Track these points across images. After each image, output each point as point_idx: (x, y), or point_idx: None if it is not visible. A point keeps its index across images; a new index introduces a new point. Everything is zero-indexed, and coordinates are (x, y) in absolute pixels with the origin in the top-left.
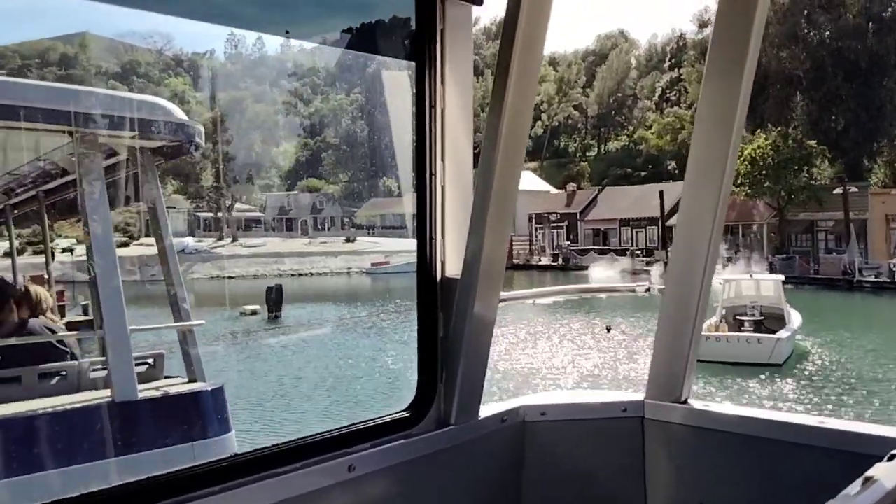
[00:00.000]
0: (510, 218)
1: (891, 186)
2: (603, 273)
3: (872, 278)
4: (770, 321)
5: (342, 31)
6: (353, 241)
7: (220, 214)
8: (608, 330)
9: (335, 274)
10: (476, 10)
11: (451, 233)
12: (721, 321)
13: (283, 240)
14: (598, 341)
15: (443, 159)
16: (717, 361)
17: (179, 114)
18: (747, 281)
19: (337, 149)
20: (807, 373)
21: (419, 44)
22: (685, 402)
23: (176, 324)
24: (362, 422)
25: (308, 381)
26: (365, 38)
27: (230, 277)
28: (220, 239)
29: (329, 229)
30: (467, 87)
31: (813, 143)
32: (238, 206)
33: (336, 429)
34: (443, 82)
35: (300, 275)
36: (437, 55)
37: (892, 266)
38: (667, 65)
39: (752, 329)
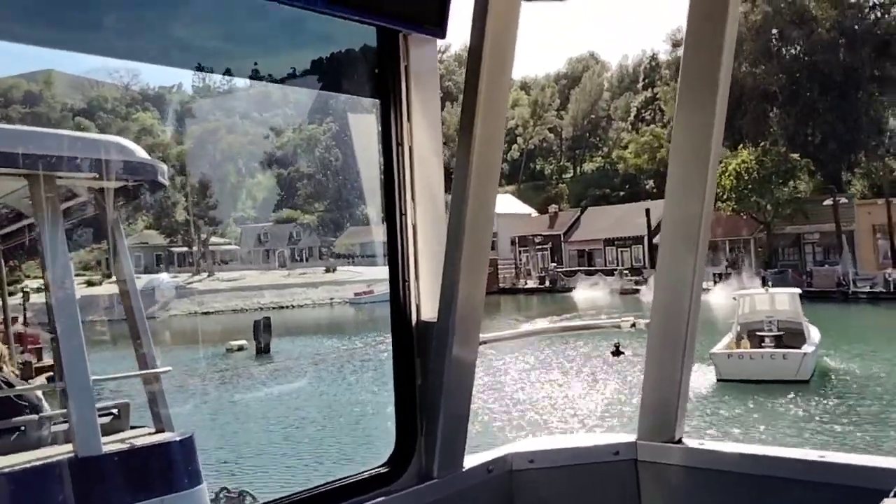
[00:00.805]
0: (486, 255)
1: (871, 197)
2: (590, 294)
3: (867, 289)
4: (788, 336)
5: (306, 72)
6: (333, 270)
7: (194, 249)
8: (616, 352)
9: (317, 305)
10: (448, 38)
11: (425, 274)
12: (737, 338)
13: (260, 272)
14: (611, 364)
15: (413, 198)
16: (741, 380)
17: (141, 153)
18: (761, 295)
19: (311, 178)
20: (838, 388)
21: (383, 81)
22: (679, 441)
23: (141, 372)
24: (337, 480)
25: (310, 423)
26: (329, 78)
27: (209, 313)
28: (196, 274)
29: (307, 260)
30: (435, 122)
31: (796, 156)
32: (213, 239)
33: (310, 488)
34: (409, 119)
35: (281, 307)
36: (401, 92)
37: (886, 276)
38: (640, 84)
39: (772, 345)
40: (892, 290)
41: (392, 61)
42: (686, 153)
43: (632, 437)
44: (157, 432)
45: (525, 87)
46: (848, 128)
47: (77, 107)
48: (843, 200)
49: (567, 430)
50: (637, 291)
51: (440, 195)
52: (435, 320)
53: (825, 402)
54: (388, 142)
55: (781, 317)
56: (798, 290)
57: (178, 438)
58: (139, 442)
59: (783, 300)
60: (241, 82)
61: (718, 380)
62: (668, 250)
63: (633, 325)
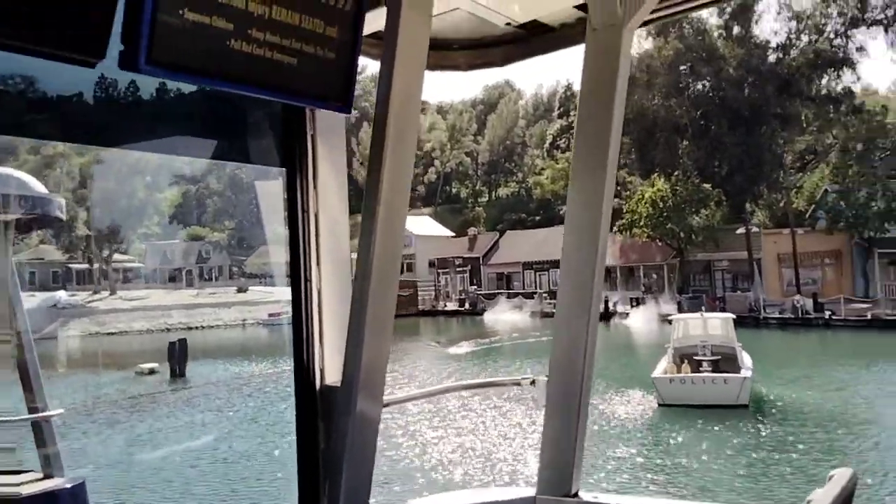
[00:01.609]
0: (391, 319)
1: (773, 228)
2: (511, 317)
3: (777, 315)
4: (723, 361)
5: (209, 142)
6: (244, 290)
7: (95, 266)
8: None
9: (229, 326)
10: (364, 59)
11: (329, 338)
12: (672, 362)
13: (167, 291)
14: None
15: (318, 264)
16: (682, 405)
17: (38, 187)
18: (695, 320)
19: (221, 195)
20: (777, 415)
21: (289, 150)
22: (576, 495)
23: (30, 416)
24: None
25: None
26: (234, 148)
27: (112, 333)
28: (97, 292)
29: (217, 279)
30: (342, 188)
31: (708, 186)
32: (116, 256)
33: None
34: (315, 186)
35: (190, 328)
36: (307, 160)
37: (795, 303)
38: (556, 113)
39: (710, 369)
40: (800, 315)
41: (298, 130)
42: (580, 226)
43: (531, 492)
44: (44, 477)
45: (442, 111)
46: (753, 162)
47: None
48: (755, 229)
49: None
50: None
51: (346, 259)
52: (339, 384)
53: (771, 428)
54: (294, 209)
55: (715, 341)
56: (732, 316)
57: (67, 485)
58: (25, 490)
59: (716, 325)
60: (146, 95)
61: (660, 404)
62: (563, 312)
63: (533, 381)
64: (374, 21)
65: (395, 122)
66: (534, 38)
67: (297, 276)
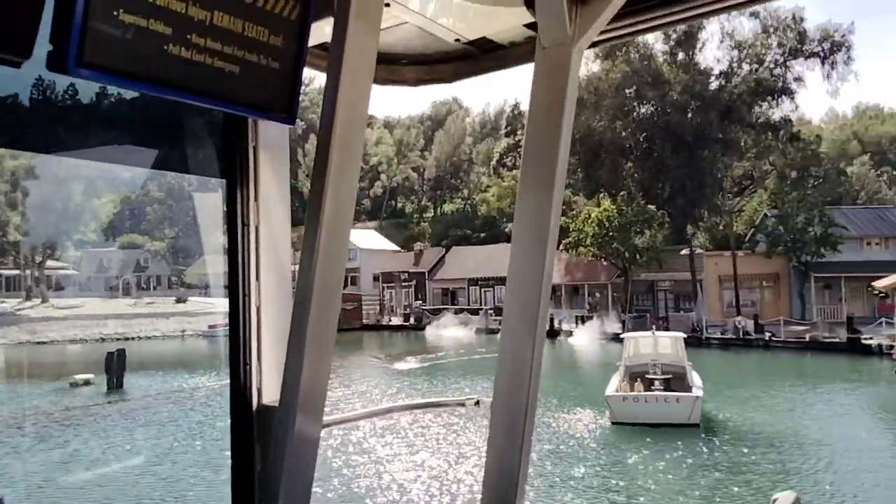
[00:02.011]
0: (333, 336)
1: (712, 250)
2: (455, 332)
3: (719, 335)
4: (673, 380)
5: (146, 151)
6: (184, 301)
7: (27, 272)
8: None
9: (167, 337)
10: (309, 71)
11: (268, 356)
12: (628, 380)
13: (102, 300)
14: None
15: (258, 278)
16: (636, 423)
17: None
18: (645, 338)
19: (162, 203)
20: (729, 434)
21: (229, 161)
22: None
23: None
24: None
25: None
26: (173, 158)
27: (43, 342)
28: (28, 299)
29: (155, 288)
30: (284, 201)
31: (653, 207)
32: (49, 263)
33: None
34: (256, 199)
35: (127, 338)
36: (249, 172)
37: (737, 324)
38: (503, 132)
39: (662, 388)
40: (741, 336)
41: (239, 141)
42: (526, 245)
43: None
44: None
45: (389, 126)
46: (695, 185)
47: None
48: (699, 251)
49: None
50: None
51: (287, 274)
52: (277, 404)
53: (724, 448)
54: (234, 222)
55: (665, 360)
56: (682, 335)
57: None
58: None
59: (666, 343)
60: (86, 98)
61: (613, 423)
62: (509, 332)
63: (478, 402)
64: (321, 31)
65: (340, 134)
66: (483, 56)
67: (236, 290)
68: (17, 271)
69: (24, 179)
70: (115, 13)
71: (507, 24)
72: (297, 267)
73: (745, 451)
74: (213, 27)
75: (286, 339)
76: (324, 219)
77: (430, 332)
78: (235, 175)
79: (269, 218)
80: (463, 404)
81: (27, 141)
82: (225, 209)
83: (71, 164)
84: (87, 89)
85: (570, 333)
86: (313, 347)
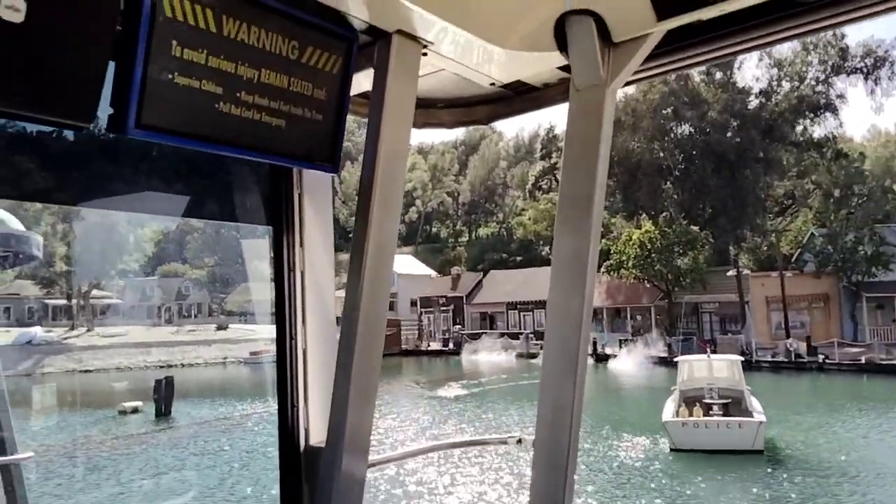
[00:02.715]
0: (376, 378)
1: (756, 271)
2: (495, 357)
3: (769, 358)
4: (731, 405)
5: (195, 200)
6: (225, 328)
7: (73, 301)
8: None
9: (209, 364)
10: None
11: (315, 396)
12: (685, 405)
13: (146, 328)
14: None
15: (304, 322)
16: (696, 450)
17: (14, 224)
18: (700, 362)
19: (202, 231)
20: (796, 462)
21: (276, 209)
22: None
23: None
24: None
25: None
26: (222, 207)
27: (89, 371)
28: (73, 328)
29: (196, 316)
30: (328, 247)
31: (696, 228)
32: (94, 292)
33: None
34: (302, 244)
35: (169, 366)
36: (294, 218)
37: (788, 346)
38: (538, 155)
39: (721, 413)
40: (793, 359)
41: (285, 189)
42: (565, 286)
43: None
44: None
45: (423, 151)
46: (737, 205)
47: None
48: (745, 272)
49: None
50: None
51: (332, 318)
52: (323, 444)
53: (794, 477)
54: (281, 267)
55: (721, 384)
56: (739, 358)
57: None
58: None
59: (722, 367)
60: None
61: (672, 450)
62: (550, 369)
63: (520, 440)
64: (362, 81)
65: (382, 181)
66: (518, 97)
67: (283, 334)
68: (63, 301)
69: (70, 211)
70: (170, 77)
71: (541, 67)
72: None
73: (819, 480)
74: (260, 84)
75: (331, 380)
76: (366, 264)
77: (470, 357)
78: (282, 222)
79: (313, 263)
80: (505, 442)
81: (76, 194)
82: (272, 255)
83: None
84: (141, 143)
85: (613, 357)
86: (358, 389)
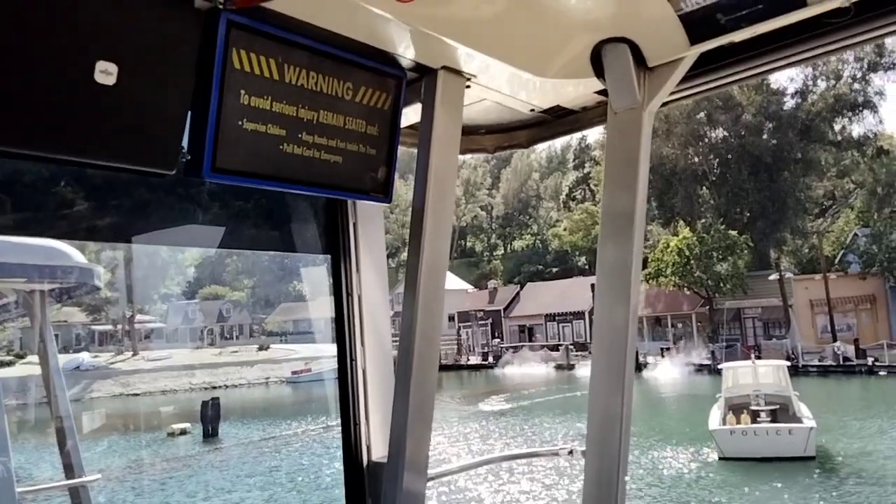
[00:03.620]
0: (433, 394)
1: (798, 274)
2: (534, 370)
3: (816, 362)
4: (778, 412)
5: (257, 234)
6: (266, 348)
7: (118, 327)
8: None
9: (252, 385)
10: None
11: (375, 414)
12: (732, 412)
13: (190, 351)
14: None
15: (363, 343)
16: (746, 458)
17: (78, 257)
18: (745, 368)
19: (240, 253)
20: (850, 468)
21: (332, 238)
22: None
23: (67, 482)
24: None
25: None
26: (282, 238)
27: (136, 394)
28: (119, 353)
29: (237, 338)
30: (381, 271)
31: (735, 232)
32: (139, 316)
33: None
34: (358, 270)
35: (214, 387)
36: (350, 247)
37: (835, 350)
38: (570, 165)
39: (768, 420)
40: (841, 362)
41: (342, 220)
42: (610, 304)
43: None
44: None
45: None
46: (776, 207)
47: None
48: (788, 275)
49: None
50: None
51: (388, 339)
52: (384, 460)
53: (848, 485)
54: (340, 292)
55: (768, 390)
56: (785, 363)
57: None
58: None
59: (767, 373)
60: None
61: (720, 458)
62: (598, 382)
63: (571, 452)
64: (411, 114)
65: (432, 205)
66: (557, 121)
67: (344, 355)
68: (109, 326)
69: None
70: (240, 123)
71: (579, 91)
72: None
73: (876, 489)
74: (319, 125)
75: (390, 398)
76: (420, 287)
77: (512, 370)
78: (339, 251)
79: (369, 287)
80: (557, 454)
81: (138, 231)
82: (331, 282)
83: (156, 220)
84: (210, 185)
85: (646, 366)
86: (416, 405)
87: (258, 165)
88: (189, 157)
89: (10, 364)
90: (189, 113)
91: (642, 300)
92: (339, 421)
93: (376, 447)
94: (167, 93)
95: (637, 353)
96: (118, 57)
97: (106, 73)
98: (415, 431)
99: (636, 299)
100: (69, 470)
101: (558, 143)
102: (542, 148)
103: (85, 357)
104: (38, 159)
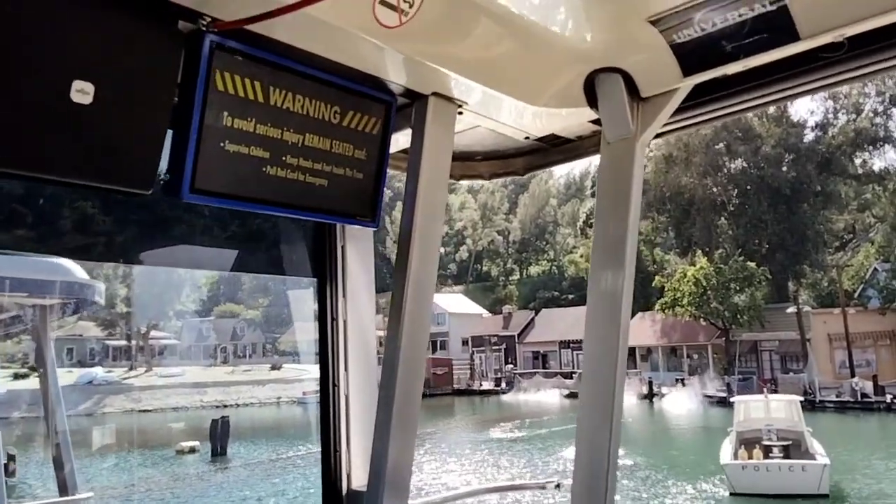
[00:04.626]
0: (415, 422)
1: (817, 308)
2: (546, 397)
3: (834, 398)
4: (791, 447)
5: (244, 256)
6: (278, 368)
7: (132, 342)
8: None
9: (263, 404)
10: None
11: (357, 441)
12: (743, 447)
13: (203, 368)
14: None
15: (346, 369)
16: (757, 494)
17: (80, 273)
18: (757, 402)
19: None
20: None
21: (320, 262)
22: None
23: (60, 498)
24: None
25: None
26: (270, 262)
27: (148, 410)
28: (132, 368)
29: (250, 356)
30: (369, 297)
31: (753, 264)
32: (153, 333)
33: None
34: (344, 295)
35: (225, 405)
36: (338, 271)
37: (853, 385)
38: (589, 192)
39: (781, 455)
40: (859, 399)
41: (329, 244)
42: (600, 335)
43: None
44: None
45: (473, 191)
46: (795, 240)
47: None
48: (806, 309)
49: None
50: None
51: (374, 365)
52: (365, 488)
53: None
54: (325, 317)
55: (780, 425)
56: (798, 398)
57: None
58: None
59: (780, 407)
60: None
61: (731, 494)
62: (585, 417)
63: (558, 485)
64: (401, 139)
65: (420, 234)
66: (552, 149)
67: (326, 381)
68: (123, 342)
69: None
70: (221, 144)
71: (574, 120)
72: (382, 357)
73: None
74: (305, 148)
75: (372, 426)
76: (405, 313)
77: (525, 396)
78: (326, 274)
79: (356, 312)
80: (543, 487)
81: (136, 253)
82: (315, 308)
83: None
84: (198, 206)
85: (669, 396)
86: (398, 434)
87: (239, 187)
88: (168, 177)
89: (24, 377)
90: (169, 133)
91: (658, 330)
92: None
93: (357, 475)
94: (145, 113)
95: (651, 382)
96: (95, 76)
97: (82, 92)
98: (396, 460)
99: (626, 330)
100: (63, 487)
101: (577, 169)
102: (560, 174)
103: (98, 372)
104: (10, 177)
